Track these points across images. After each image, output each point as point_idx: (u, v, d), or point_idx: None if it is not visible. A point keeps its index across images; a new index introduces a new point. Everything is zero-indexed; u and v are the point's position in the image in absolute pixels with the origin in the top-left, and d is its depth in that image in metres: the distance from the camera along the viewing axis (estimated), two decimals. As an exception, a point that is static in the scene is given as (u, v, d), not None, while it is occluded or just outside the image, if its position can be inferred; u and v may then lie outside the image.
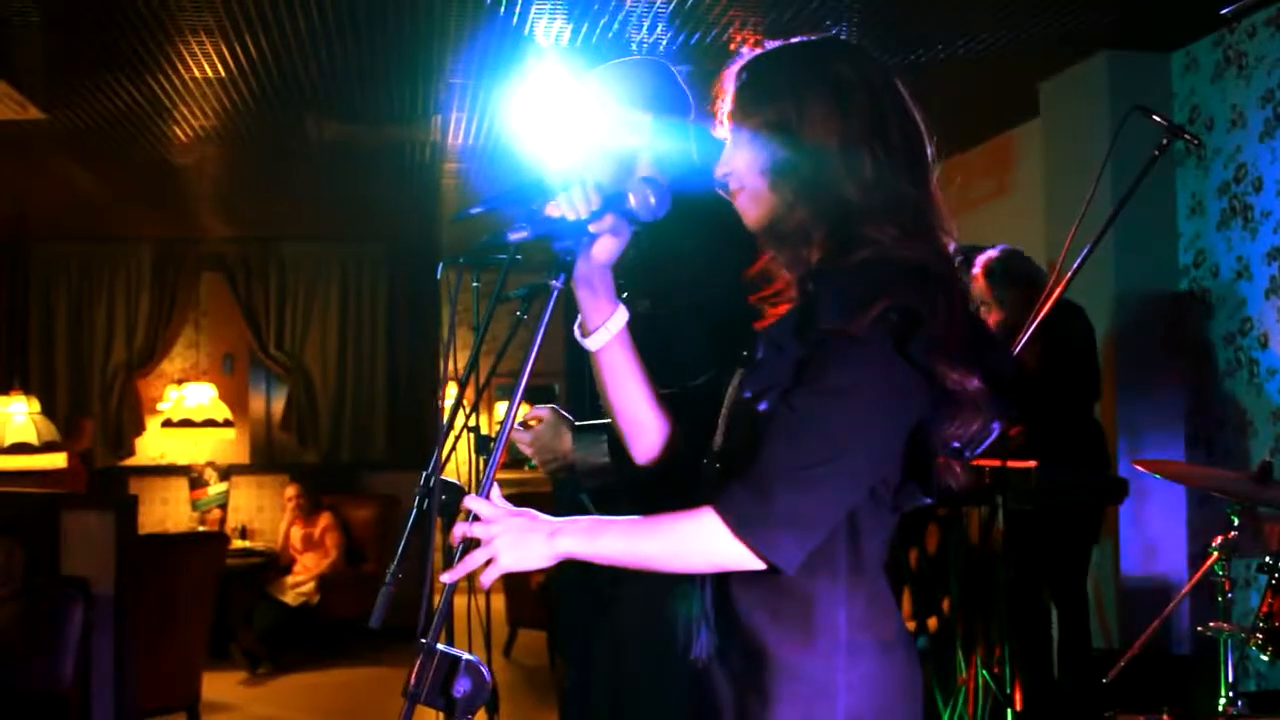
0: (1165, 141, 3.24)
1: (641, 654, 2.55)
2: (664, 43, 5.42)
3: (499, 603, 8.69)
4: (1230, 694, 3.29)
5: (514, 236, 1.81)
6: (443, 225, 9.54)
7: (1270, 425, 5.27)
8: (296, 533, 9.01)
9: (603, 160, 2.64)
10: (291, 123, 6.68)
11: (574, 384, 2.79)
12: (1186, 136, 3.20)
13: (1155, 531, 5.73)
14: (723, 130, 1.84)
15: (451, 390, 10.33)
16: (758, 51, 1.83)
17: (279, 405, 10.36)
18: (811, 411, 1.63)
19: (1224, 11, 3.96)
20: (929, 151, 1.78)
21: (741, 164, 1.79)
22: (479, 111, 6.47)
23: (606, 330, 1.88)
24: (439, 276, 4.75)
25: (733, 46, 5.47)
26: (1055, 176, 6.20)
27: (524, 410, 2.55)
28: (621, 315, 1.89)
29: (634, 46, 5.42)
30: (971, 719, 4.09)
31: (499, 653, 8.32)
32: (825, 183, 1.72)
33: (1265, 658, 3.18)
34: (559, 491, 2.83)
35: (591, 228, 1.79)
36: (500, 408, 11.92)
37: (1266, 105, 5.30)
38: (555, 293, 1.78)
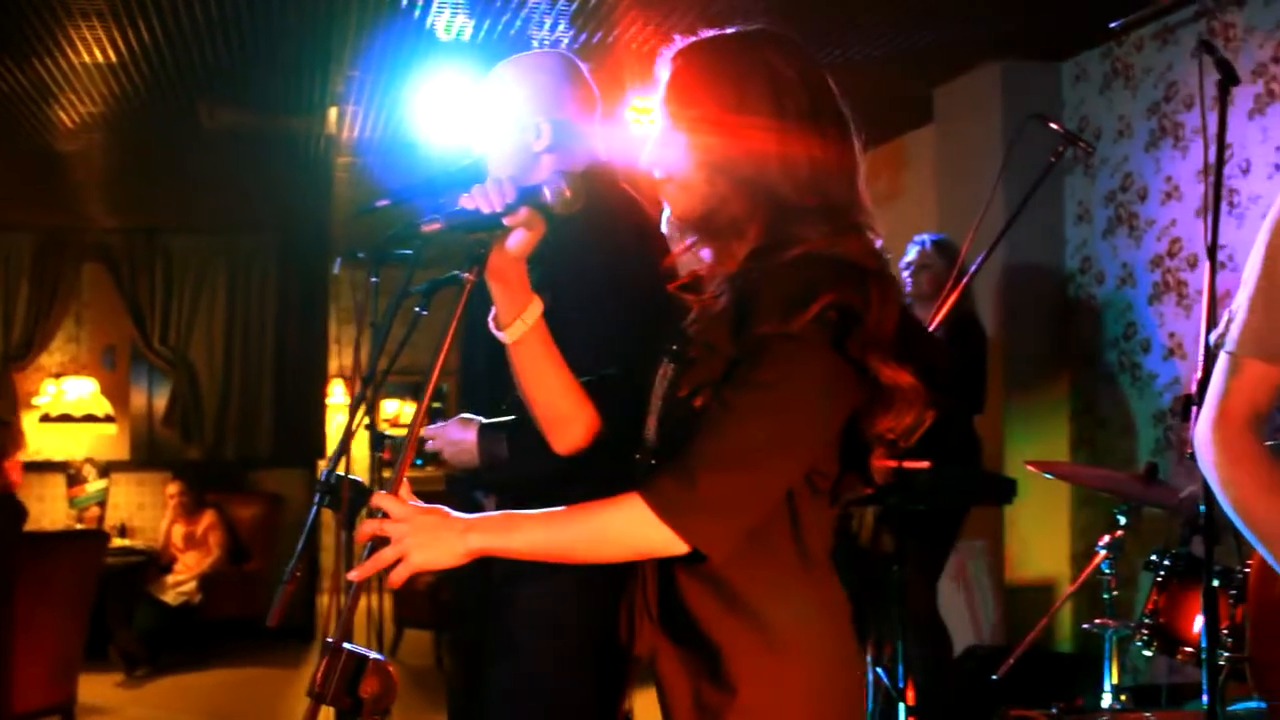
0: (1061, 149, 3.31)
1: (536, 655, 2.54)
2: (565, 41, 5.40)
3: (386, 602, 8.61)
4: (1114, 688, 3.37)
5: (427, 228, 1.79)
6: (335, 219, 9.42)
7: (1151, 427, 5.41)
8: (178, 531, 8.83)
9: (510, 154, 2.63)
10: (183, 110, 6.54)
11: (465, 382, 2.76)
12: (1081, 144, 3.28)
13: (1039, 532, 5.85)
14: (653, 119, 1.83)
15: (336, 388, 10.16)
16: (693, 40, 1.82)
17: (162, 401, 10.13)
18: (742, 404, 1.64)
19: (1113, 25, 4.05)
20: (857, 150, 1.79)
21: (674, 154, 1.78)
22: (377, 105, 6.40)
23: (522, 323, 1.87)
24: (336, 271, 4.70)
25: (634, 46, 5.48)
26: (948, 181, 6.30)
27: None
28: (537, 307, 1.88)
29: (535, 44, 5.40)
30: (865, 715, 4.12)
31: (385, 653, 8.22)
32: (761, 178, 1.73)
33: (1149, 653, 3.26)
34: (451, 488, 2.81)
35: (507, 220, 1.77)
36: (387, 406, 11.81)
37: (1152, 116, 5.44)
38: (469, 286, 1.76)
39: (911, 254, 5.18)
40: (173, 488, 8.97)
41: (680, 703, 1.79)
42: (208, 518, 8.84)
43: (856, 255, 1.70)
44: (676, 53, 1.81)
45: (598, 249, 2.43)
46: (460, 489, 2.71)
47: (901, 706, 3.43)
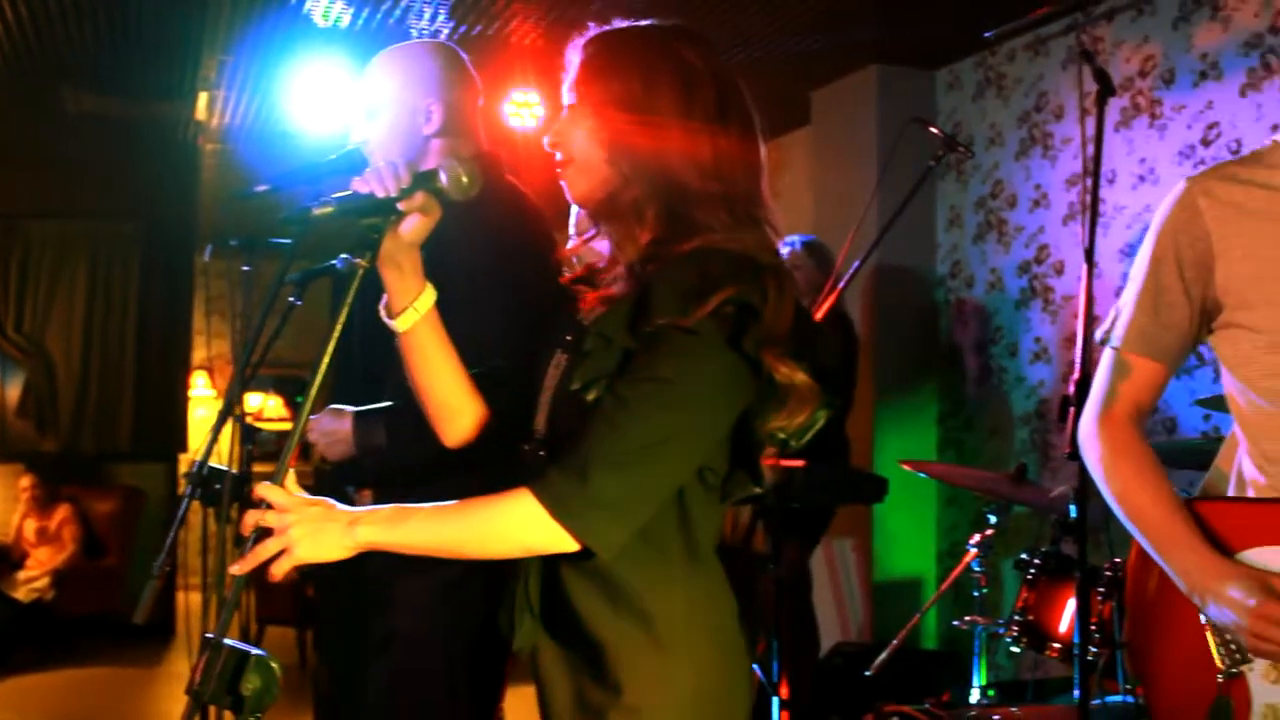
0: (940, 154, 3.36)
1: (413, 652, 2.49)
2: (445, 33, 5.35)
3: (248, 598, 8.42)
4: (983, 684, 3.44)
5: (319, 211, 1.73)
6: (203, 207, 9.20)
7: (1016, 430, 5.53)
8: (30, 525, 8.55)
9: (398, 137, 2.59)
10: (45, 93, 6.33)
11: (341, 373, 2.71)
12: (960, 149, 3.33)
13: (906, 531, 5.95)
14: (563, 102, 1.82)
15: (200, 380, 9.89)
16: (606, 28, 1.80)
17: (15, 391, 9.79)
18: (636, 399, 1.62)
19: (987, 35, 4.12)
20: (761, 149, 1.79)
21: (578, 137, 1.76)
22: (249, 91, 6.26)
23: (414, 311, 1.83)
24: (206, 259, 4.58)
25: (515, 41, 5.45)
26: (823, 183, 6.38)
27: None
28: (430, 295, 1.84)
29: (414, 34, 5.33)
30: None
31: (247, 650, 8.04)
32: (665, 163, 1.72)
33: (1017, 649, 3.33)
34: (319, 483, 2.75)
35: (402, 205, 1.73)
36: (251, 400, 11.56)
37: (1022, 125, 5.57)
38: (360, 273, 1.72)
39: (782, 254, 5.19)
40: (25, 481, 8.68)
41: (561, 701, 1.77)
42: (62, 512, 8.58)
43: (755, 250, 1.69)
44: (589, 39, 1.80)
45: (484, 239, 2.40)
46: (330, 483, 2.65)
47: (775, 701, 3.45)
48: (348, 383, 2.63)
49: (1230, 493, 1.99)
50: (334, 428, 2.53)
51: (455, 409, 1.92)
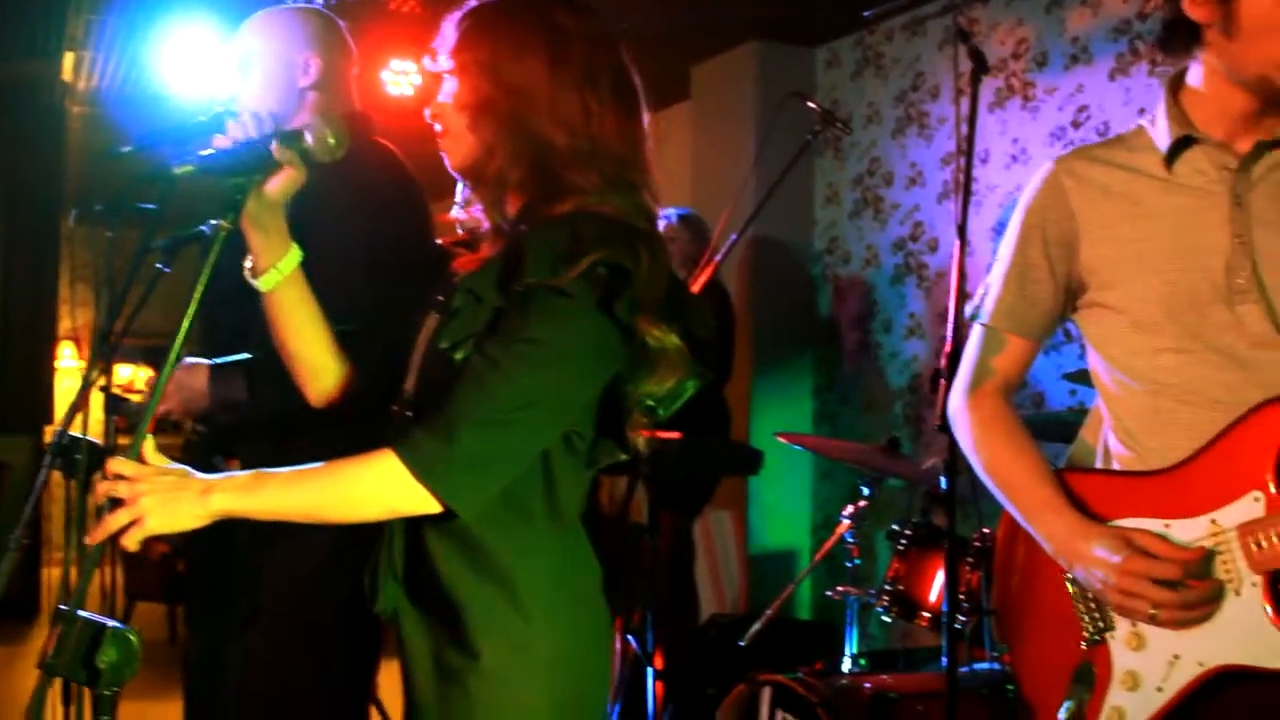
0: (818, 129, 3.38)
1: (285, 623, 2.45)
2: (321, -3, 5.24)
3: (117, 574, 8.23)
4: (855, 653, 3.49)
5: (178, 169, 1.69)
6: (70, 172, 8.94)
7: (890, 404, 5.62)
8: (-118, 500, 8.27)
9: (274, 89, 2.55)
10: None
11: (204, 336, 2.64)
12: (838, 125, 3.35)
13: (781, 504, 6.01)
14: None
15: (66, 350, 9.65)
16: None
17: None
18: (504, 360, 1.60)
19: (866, 14, 4.15)
20: (644, 114, 1.78)
21: (447, 103, 1.75)
22: (118, 52, 6.08)
23: (278, 271, 1.79)
24: (71, 224, 4.44)
25: (392, 7, 5.37)
26: (702, 158, 6.39)
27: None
28: (294, 255, 1.80)
29: (288, -3, 5.21)
30: (614, 681, 4.17)
31: (116, 627, 7.87)
32: (528, 125, 1.70)
33: (889, 619, 3.38)
34: (188, 454, 2.69)
35: (265, 164, 1.69)
36: (121, 371, 11.28)
37: (899, 104, 5.64)
38: (223, 233, 1.67)
39: (659, 227, 5.21)
40: (-125, 454, 8.40)
41: (421, 665, 1.75)
42: (-79, 485, 8.31)
43: (629, 214, 1.69)
44: (467, 9, 1.78)
45: (351, 199, 2.37)
46: (199, 453, 2.60)
47: (650, 671, 3.47)
48: (214, 348, 2.57)
49: (1097, 465, 2.03)
50: (187, 381, 2.47)
51: (319, 367, 1.89)
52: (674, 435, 3.91)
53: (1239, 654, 1.73)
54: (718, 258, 3.90)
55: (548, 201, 1.69)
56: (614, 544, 4.60)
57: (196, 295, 1.63)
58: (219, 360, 2.45)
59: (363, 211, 2.41)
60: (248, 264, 1.81)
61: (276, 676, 2.46)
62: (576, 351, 1.63)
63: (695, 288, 3.84)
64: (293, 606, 2.45)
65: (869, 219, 5.82)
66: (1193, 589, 1.75)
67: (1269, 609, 1.71)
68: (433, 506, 1.61)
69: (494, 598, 1.68)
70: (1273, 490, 1.72)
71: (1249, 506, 1.74)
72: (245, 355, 2.41)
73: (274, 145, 1.70)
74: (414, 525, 1.72)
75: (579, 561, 1.77)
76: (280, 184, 1.73)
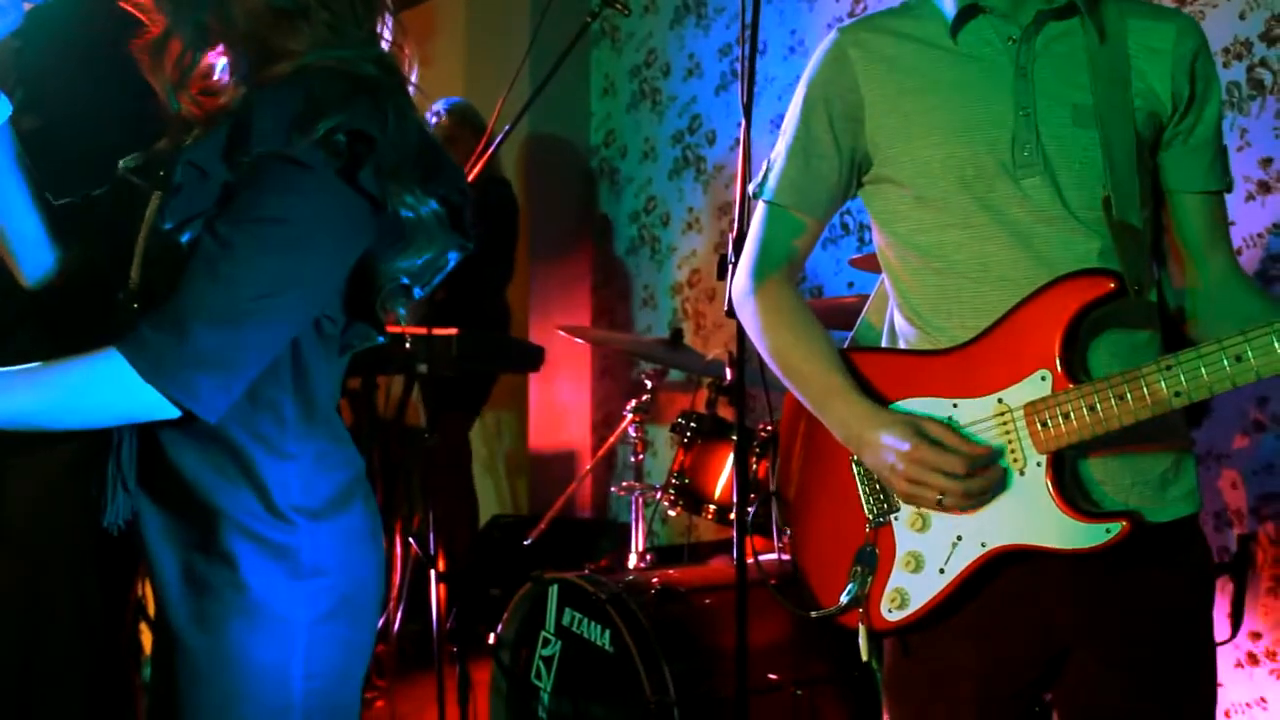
0: (597, 10, 3.26)
1: (29, 546, 2.29)
2: None
3: None
4: (641, 550, 3.47)
5: None
6: None
7: (670, 298, 5.59)
8: None
9: None
10: None
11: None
12: (618, 6, 3.24)
13: (562, 401, 5.96)
14: None
15: None
16: None
17: None
18: (239, 243, 1.45)
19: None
20: None
21: None
22: None
23: None
24: None
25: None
26: (476, 48, 6.20)
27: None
28: (3, 108, 1.60)
29: None
30: (395, 585, 4.08)
31: None
32: None
33: (673, 513, 3.36)
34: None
35: None
36: None
37: (676, -7, 5.55)
38: None
39: (429, 123, 5.09)
40: None
41: (168, 576, 1.59)
42: None
43: (370, 70, 1.54)
44: None
45: (81, 64, 2.16)
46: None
47: (432, 573, 3.38)
48: None
49: (883, 345, 2.01)
50: None
51: (29, 241, 1.69)
52: (450, 331, 3.80)
53: (1021, 534, 1.74)
54: (491, 148, 3.77)
55: (276, 58, 1.52)
56: (391, 447, 4.48)
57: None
58: None
59: (94, 71, 2.19)
60: None
61: (25, 599, 2.30)
62: (319, 229, 1.49)
63: (470, 178, 3.71)
64: (38, 527, 2.29)
65: (647, 111, 5.74)
66: (977, 478, 1.74)
67: (1051, 489, 1.72)
68: (169, 411, 1.45)
69: (245, 500, 1.55)
70: (1059, 369, 1.73)
71: (1035, 385, 1.74)
72: None
73: None
74: (149, 428, 1.55)
75: (335, 455, 1.64)
76: None
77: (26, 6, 1.54)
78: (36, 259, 1.71)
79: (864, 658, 1.87)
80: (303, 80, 1.49)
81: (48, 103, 1.88)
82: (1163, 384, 1.65)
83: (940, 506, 1.77)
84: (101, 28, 2.25)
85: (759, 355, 2.03)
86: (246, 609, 1.55)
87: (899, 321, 1.95)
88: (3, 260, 1.71)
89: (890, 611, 1.84)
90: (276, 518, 1.56)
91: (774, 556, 2.72)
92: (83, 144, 2.00)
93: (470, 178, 3.64)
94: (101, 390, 1.44)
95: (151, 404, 1.45)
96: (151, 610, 2.54)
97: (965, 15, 1.83)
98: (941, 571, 1.80)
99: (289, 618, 1.57)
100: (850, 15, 4.76)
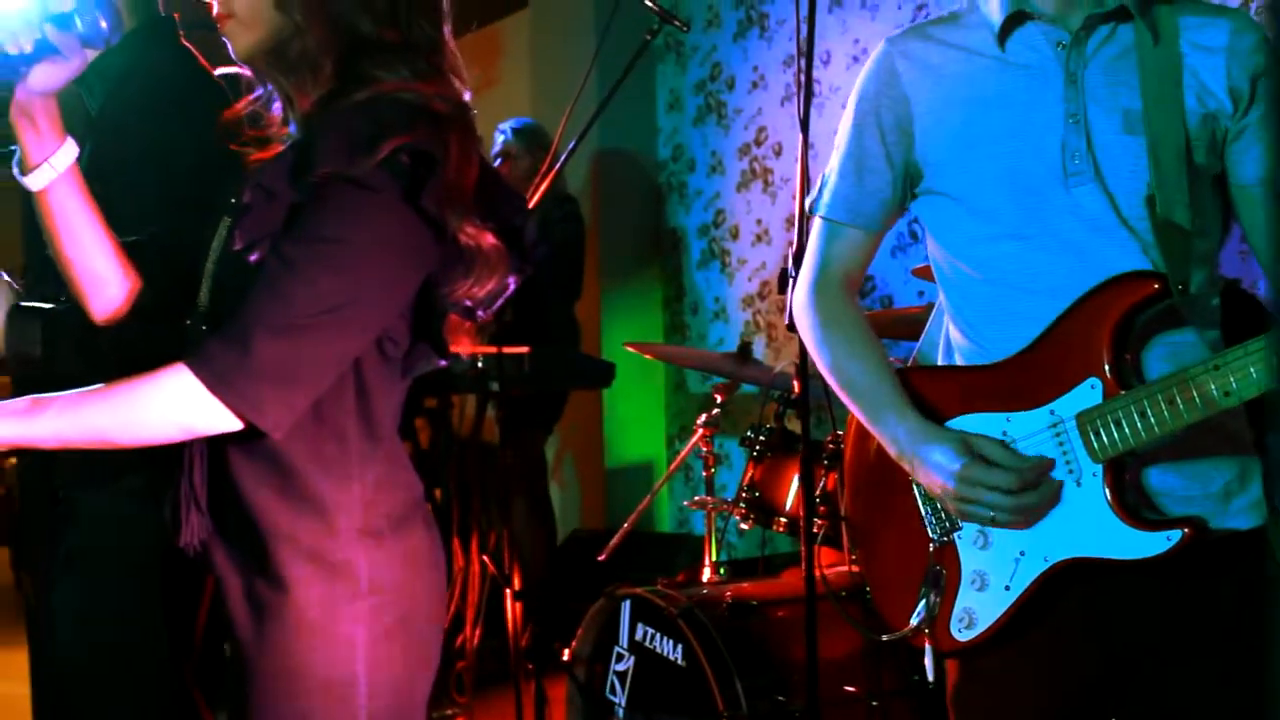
0: (656, 27, 3.29)
1: (104, 567, 2.32)
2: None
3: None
4: (715, 561, 3.47)
5: None
6: None
7: (741, 311, 5.60)
8: None
9: None
10: None
11: (36, 267, 2.46)
12: (676, 22, 3.27)
13: (634, 416, 5.98)
14: None
15: None
16: None
17: None
18: (303, 261, 1.48)
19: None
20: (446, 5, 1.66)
21: None
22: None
23: (51, 168, 1.63)
24: None
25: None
26: (543, 68, 6.25)
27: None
28: (69, 151, 1.64)
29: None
30: (473, 604, 4.12)
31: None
32: (337, 8, 1.57)
33: (745, 526, 3.36)
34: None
35: (28, 48, 1.53)
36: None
37: (740, 6, 5.56)
38: None
39: (497, 143, 5.14)
40: None
41: (234, 598, 1.62)
42: None
43: (435, 100, 1.56)
44: None
45: (146, 106, 2.19)
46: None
47: (508, 592, 3.41)
48: (43, 280, 2.38)
49: (940, 359, 1.99)
50: None
51: (101, 279, 1.73)
52: (522, 350, 3.83)
53: (1082, 546, 1.71)
54: (557, 165, 3.80)
55: (348, 91, 1.56)
56: (466, 465, 4.52)
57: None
58: (22, 305, 2.26)
59: (159, 114, 2.24)
60: (15, 160, 1.64)
61: (95, 621, 2.33)
62: (381, 250, 1.51)
63: (536, 197, 3.74)
64: (112, 549, 2.32)
65: (713, 125, 5.76)
66: (1030, 493, 1.72)
67: (1110, 498, 1.69)
68: (232, 423, 1.48)
69: (305, 522, 1.58)
70: (1109, 375, 1.69)
71: (1086, 394, 1.71)
72: (48, 306, 2.22)
73: (46, 28, 1.54)
74: (217, 450, 1.59)
75: (396, 477, 1.66)
76: (49, 71, 1.57)
77: (90, 55, 1.59)
78: (106, 293, 1.75)
79: (929, 678, 1.85)
80: (372, 105, 1.52)
81: (114, 144, 1.92)
82: (1211, 384, 1.60)
83: (995, 523, 1.75)
84: (169, 72, 2.31)
85: (823, 368, 2.03)
86: (307, 629, 1.57)
87: (953, 333, 1.94)
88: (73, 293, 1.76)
89: (960, 632, 1.81)
90: (337, 539, 1.58)
91: (845, 569, 2.71)
92: (150, 183, 2.05)
93: (536, 197, 3.68)
94: (167, 402, 1.47)
95: (217, 418, 1.48)
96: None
97: (1013, 22, 1.81)
98: (1007, 589, 1.77)
99: (350, 637, 1.59)
100: (913, 23, 4.74)
